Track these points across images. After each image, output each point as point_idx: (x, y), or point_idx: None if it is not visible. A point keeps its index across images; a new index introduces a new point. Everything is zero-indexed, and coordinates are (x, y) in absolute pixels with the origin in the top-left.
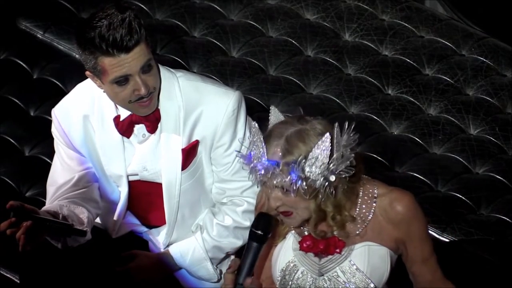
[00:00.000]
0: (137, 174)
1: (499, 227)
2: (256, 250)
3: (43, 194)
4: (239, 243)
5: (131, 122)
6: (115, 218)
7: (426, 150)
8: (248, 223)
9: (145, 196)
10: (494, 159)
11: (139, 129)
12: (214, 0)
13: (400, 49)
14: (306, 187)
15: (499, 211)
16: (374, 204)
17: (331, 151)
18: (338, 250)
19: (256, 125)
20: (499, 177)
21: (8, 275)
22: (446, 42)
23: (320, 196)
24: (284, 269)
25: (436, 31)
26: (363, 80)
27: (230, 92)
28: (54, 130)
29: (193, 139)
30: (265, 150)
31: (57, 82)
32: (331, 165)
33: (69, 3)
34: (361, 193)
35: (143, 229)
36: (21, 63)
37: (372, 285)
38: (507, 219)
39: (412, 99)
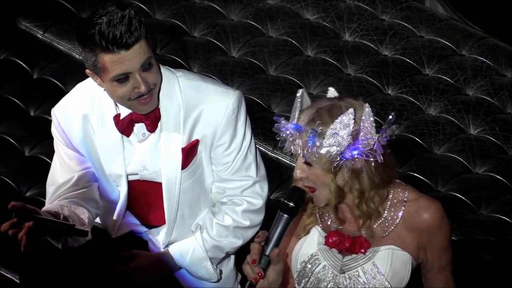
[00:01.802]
0: (136, 174)
1: (499, 227)
2: (286, 222)
3: (43, 194)
4: (239, 242)
5: (131, 121)
6: (114, 217)
7: (426, 150)
8: (247, 223)
9: (145, 196)
10: (494, 159)
11: (139, 128)
12: (214, 0)
13: (400, 49)
14: (318, 156)
15: (499, 211)
16: (403, 208)
17: (357, 130)
18: (363, 250)
19: (301, 92)
20: (499, 177)
21: (8, 275)
22: (446, 42)
23: (339, 174)
24: (305, 261)
25: (436, 31)
26: (363, 80)
27: (230, 92)
28: (54, 130)
29: (193, 139)
30: (296, 116)
31: (57, 82)
32: (350, 141)
33: (69, 3)
34: (391, 195)
35: (143, 229)
36: (21, 63)
37: None
38: (507, 219)
39: (412, 99)
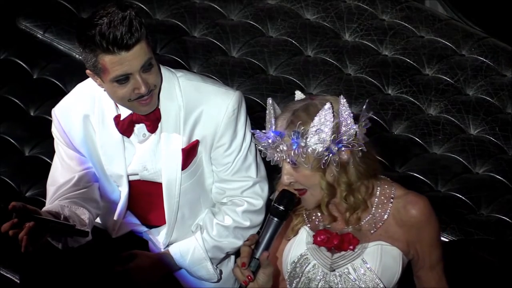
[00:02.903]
0: (137, 174)
1: (499, 227)
2: (276, 225)
3: (43, 194)
4: (239, 243)
5: (131, 122)
6: (115, 218)
7: (426, 150)
8: (248, 223)
9: (145, 196)
10: (494, 159)
11: (140, 128)
12: (214, 0)
13: (400, 49)
14: (305, 156)
15: (499, 211)
16: (390, 205)
17: (337, 123)
18: (351, 247)
19: (270, 101)
20: (499, 177)
21: (8, 275)
22: (446, 42)
23: (328, 170)
24: (295, 261)
25: (436, 31)
26: (363, 80)
27: (231, 92)
28: (54, 130)
29: (193, 139)
30: (273, 123)
31: (57, 82)
32: (333, 135)
33: (69, 3)
34: (378, 192)
35: (143, 229)
36: (21, 63)
37: (381, 285)
38: (507, 219)
39: (412, 99)
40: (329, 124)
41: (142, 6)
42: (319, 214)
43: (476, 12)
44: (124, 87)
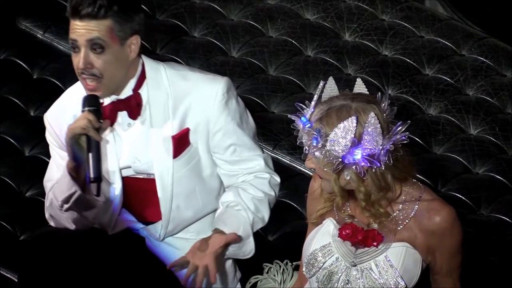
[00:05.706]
0: (130, 167)
1: (499, 227)
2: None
3: (43, 194)
4: (268, 215)
5: (113, 109)
6: (110, 214)
7: (426, 150)
8: (273, 194)
9: (140, 193)
10: (494, 159)
11: (123, 117)
12: (214, 0)
13: (400, 49)
14: (320, 155)
15: (499, 211)
16: (416, 205)
17: (361, 134)
18: (375, 244)
19: (321, 84)
20: (499, 177)
21: (8, 275)
22: (446, 42)
23: (341, 175)
24: (317, 250)
25: (436, 31)
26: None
27: (218, 78)
28: (48, 135)
29: (185, 127)
30: (311, 110)
31: (57, 82)
32: (351, 147)
33: None
34: (406, 189)
35: (139, 225)
36: (21, 63)
37: (402, 283)
38: (507, 219)
39: (412, 99)
40: (348, 137)
41: (142, 6)
42: (349, 210)
43: (476, 12)
44: (75, 56)
